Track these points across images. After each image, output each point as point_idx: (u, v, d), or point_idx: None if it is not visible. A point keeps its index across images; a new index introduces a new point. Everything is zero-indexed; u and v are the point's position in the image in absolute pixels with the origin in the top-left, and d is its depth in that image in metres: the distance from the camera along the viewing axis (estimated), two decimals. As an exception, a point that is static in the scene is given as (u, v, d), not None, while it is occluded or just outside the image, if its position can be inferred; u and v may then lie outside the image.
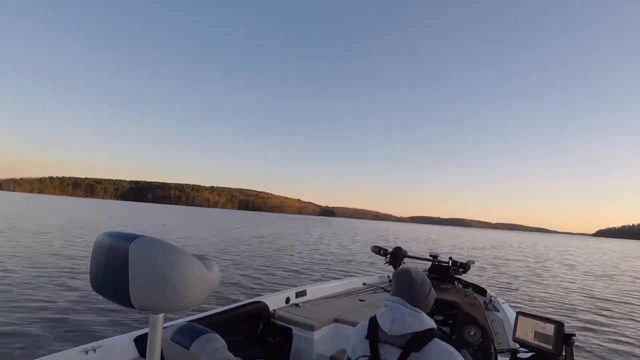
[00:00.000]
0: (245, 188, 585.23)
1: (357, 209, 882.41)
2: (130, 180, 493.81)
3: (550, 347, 1.34)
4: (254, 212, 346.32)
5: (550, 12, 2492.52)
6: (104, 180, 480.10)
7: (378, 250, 3.72)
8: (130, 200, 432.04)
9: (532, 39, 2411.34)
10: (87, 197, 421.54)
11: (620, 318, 7.18)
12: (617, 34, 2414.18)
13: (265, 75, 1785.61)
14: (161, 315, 0.79)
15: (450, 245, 29.47)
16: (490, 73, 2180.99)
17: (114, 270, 0.72)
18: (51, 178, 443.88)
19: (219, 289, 5.60)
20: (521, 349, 1.47)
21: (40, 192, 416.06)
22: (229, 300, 5.96)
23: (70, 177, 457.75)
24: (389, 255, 3.67)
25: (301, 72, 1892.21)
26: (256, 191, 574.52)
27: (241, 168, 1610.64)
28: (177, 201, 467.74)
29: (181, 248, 0.76)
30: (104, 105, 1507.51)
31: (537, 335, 1.39)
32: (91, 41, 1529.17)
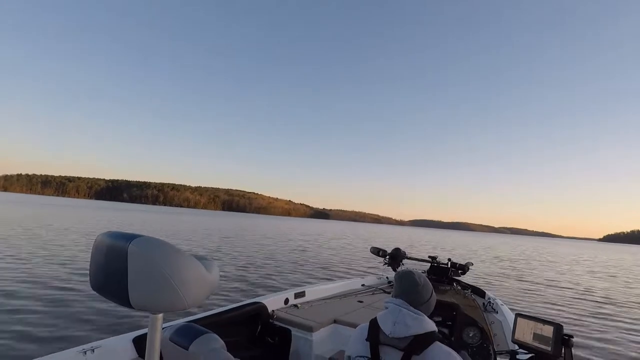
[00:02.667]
0: (235, 189, 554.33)
1: (355, 212, 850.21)
2: (107, 179, 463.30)
3: (549, 348, 1.34)
4: (235, 213, 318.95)
5: (548, 20, 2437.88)
6: (77, 178, 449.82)
7: (377, 251, 3.71)
8: (105, 199, 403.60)
9: (538, 38, 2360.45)
10: (57, 195, 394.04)
11: (619, 320, 7.19)
12: (621, 37, 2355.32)
13: (262, 76, 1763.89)
14: (160, 316, 0.79)
15: (449, 247, 29.72)
16: (493, 76, 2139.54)
17: (113, 270, 0.71)
18: (19, 175, 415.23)
19: (218, 290, 5.76)
20: (520, 350, 1.47)
21: (5, 189, 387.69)
22: (228, 300, 5.88)
23: (41, 175, 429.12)
24: (388, 257, 3.66)
25: (300, 74, 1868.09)
26: (244, 191, 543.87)
27: (238, 171, 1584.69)
28: (154, 201, 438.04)
29: (180, 248, 0.75)
30: (93, 106, 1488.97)
31: (536, 336, 1.39)
32: (79, 39, 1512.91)
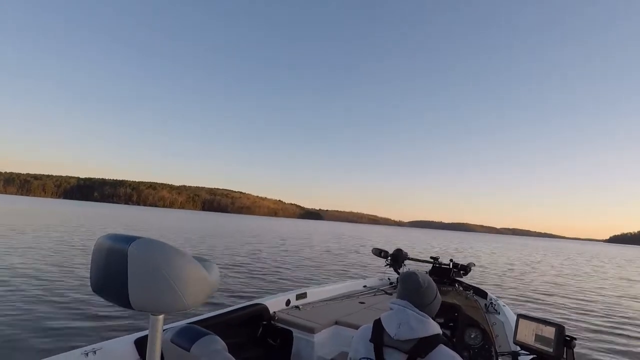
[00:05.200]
0: (222, 188, 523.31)
1: (353, 213, 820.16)
2: (81, 177, 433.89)
3: (551, 350, 1.33)
4: (214, 213, 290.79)
5: (551, 19, 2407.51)
6: (45, 176, 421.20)
7: (379, 252, 3.71)
8: (75, 198, 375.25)
9: (541, 38, 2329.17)
10: (20, 194, 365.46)
11: (623, 323, 7.14)
12: (624, 36, 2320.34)
13: (260, 76, 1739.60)
14: (161, 317, 0.79)
15: (451, 247, 29.59)
16: (496, 76, 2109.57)
17: (114, 272, 0.72)
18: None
19: (219, 291, 5.74)
20: (522, 351, 1.46)
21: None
22: (230, 302, 5.88)
23: (4, 173, 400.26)
24: (389, 258, 3.67)
25: (299, 74, 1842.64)
26: (231, 191, 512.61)
27: (232, 172, 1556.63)
28: (127, 200, 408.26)
29: (180, 249, 0.75)
30: (92, 107, 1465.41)
31: (538, 338, 1.38)
32: (68, 37, 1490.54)
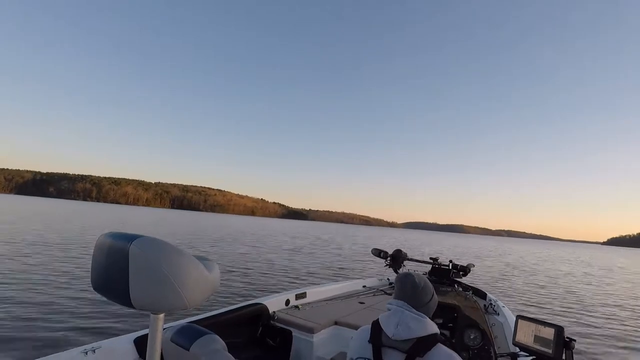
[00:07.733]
0: (198, 185, 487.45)
1: (344, 213, 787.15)
2: (38, 171, 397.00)
3: (550, 351, 1.33)
4: (182, 211, 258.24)
5: (550, 19, 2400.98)
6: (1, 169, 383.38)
7: (378, 252, 3.70)
8: (29, 194, 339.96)
9: (539, 39, 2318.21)
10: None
11: (622, 325, 7.13)
12: (623, 35, 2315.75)
13: (252, 75, 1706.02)
14: (161, 316, 0.79)
15: (450, 248, 29.94)
16: (492, 78, 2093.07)
17: (115, 270, 0.72)
18: None
19: (219, 290, 5.76)
20: (521, 352, 1.46)
21: None
22: (229, 301, 5.90)
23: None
24: (389, 258, 3.67)
25: (294, 73, 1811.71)
26: (205, 187, 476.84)
27: (223, 172, 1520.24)
28: (85, 196, 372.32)
29: (181, 248, 0.75)
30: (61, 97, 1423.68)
31: (537, 339, 1.38)
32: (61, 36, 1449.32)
